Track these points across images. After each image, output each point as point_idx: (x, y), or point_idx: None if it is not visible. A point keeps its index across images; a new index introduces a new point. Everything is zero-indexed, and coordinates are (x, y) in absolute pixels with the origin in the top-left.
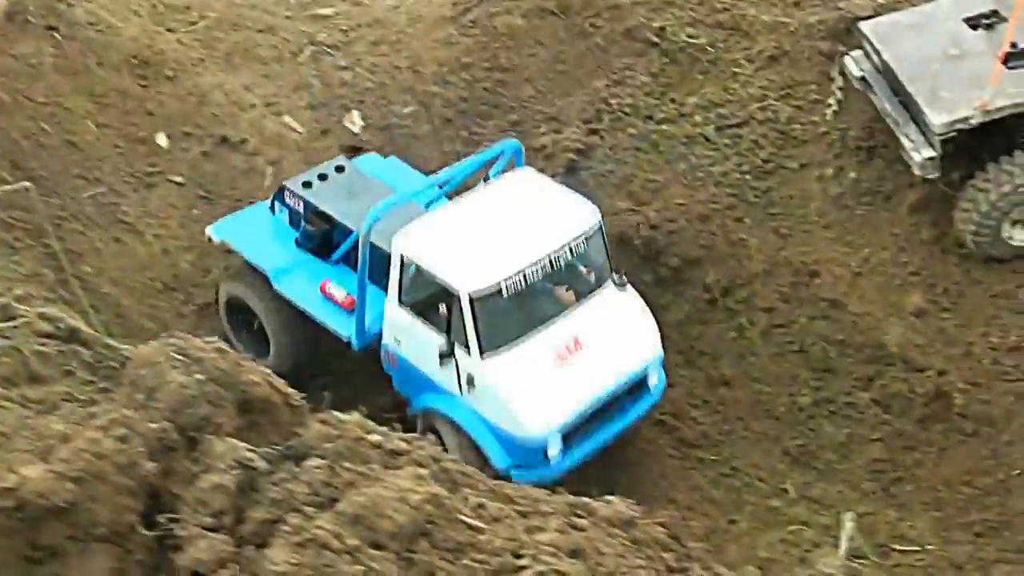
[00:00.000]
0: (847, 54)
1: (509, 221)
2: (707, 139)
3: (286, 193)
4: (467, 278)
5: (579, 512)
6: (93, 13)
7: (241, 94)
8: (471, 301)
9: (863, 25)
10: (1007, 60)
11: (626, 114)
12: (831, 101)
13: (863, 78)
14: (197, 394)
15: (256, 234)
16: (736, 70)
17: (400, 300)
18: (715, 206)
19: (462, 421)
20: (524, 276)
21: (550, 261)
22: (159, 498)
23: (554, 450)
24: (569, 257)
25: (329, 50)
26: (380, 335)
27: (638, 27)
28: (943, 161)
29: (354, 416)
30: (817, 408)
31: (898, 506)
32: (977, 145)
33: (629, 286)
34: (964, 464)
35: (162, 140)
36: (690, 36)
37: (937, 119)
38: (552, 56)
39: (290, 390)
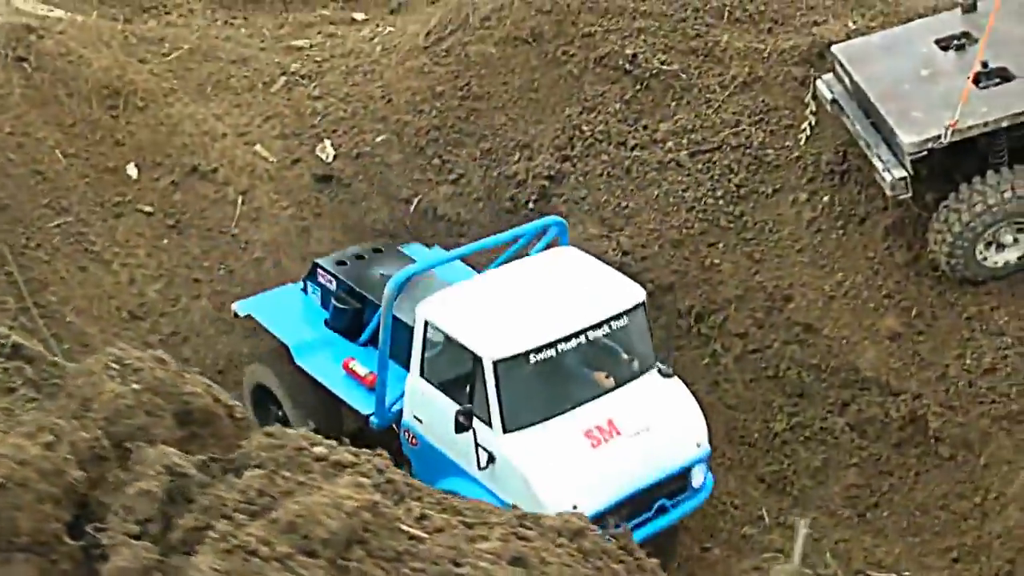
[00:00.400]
0: (819, 77)
1: (544, 293)
2: (680, 165)
3: (318, 271)
4: (492, 343)
5: (526, 524)
6: (64, 44)
7: (212, 124)
8: (495, 366)
9: (835, 48)
10: (977, 80)
11: (598, 141)
12: (804, 126)
13: (835, 101)
14: (133, 403)
15: (284, 312)
16: (709, 96)
17: (422, 372)
18: (688, 231)
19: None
20: (556, 349)
21: (585, 336)
22: (87, 507)
23: None
24: (607, 335)
25: (302, 80)
26: (401, 414)
27: (610, 54)
28: (917, 184)
29: (300, 430)
30: (792, 433)
31: (874, 532)
32: (951, 167)
33: (676, 377)
34: (940, 488)
35: (131, 170)
36: (663, 63)
37: (907, 139)
38: (525, 84)
39: (234, 403)
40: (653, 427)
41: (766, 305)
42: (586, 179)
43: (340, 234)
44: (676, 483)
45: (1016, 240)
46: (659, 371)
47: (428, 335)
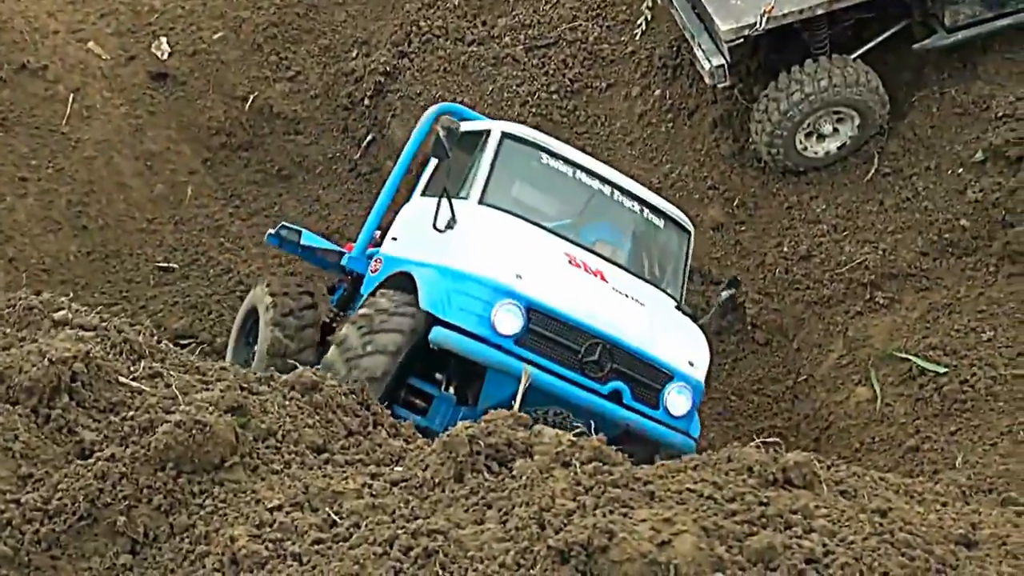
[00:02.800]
0: None
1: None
2: (516, 60)
3: None
4: (508, 125)
5: (259, 380)
6: None
7: (44, 20)
8: (501, 137)
9: None
10: None
11: (436, 36)
12: (640, 20)
13: None
14: None
15: None
16: None
17: (424, 191)
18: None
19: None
20: (573, 168)
21: (610, 183)
22: None
23: (507, 321)
24: (636, 208)
25: None
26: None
27: None
28: (746, 78)
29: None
30: None
31: None
32: (778, 60)
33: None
34: (755, 374)
35: None
36: None
37: (725, 25)
38: None
39: None
40: (646, 308)
41: None
42: (422, 75)
43: (175, 132)
44: (642, 375)
45: (836, 130)
46: (678, 307)
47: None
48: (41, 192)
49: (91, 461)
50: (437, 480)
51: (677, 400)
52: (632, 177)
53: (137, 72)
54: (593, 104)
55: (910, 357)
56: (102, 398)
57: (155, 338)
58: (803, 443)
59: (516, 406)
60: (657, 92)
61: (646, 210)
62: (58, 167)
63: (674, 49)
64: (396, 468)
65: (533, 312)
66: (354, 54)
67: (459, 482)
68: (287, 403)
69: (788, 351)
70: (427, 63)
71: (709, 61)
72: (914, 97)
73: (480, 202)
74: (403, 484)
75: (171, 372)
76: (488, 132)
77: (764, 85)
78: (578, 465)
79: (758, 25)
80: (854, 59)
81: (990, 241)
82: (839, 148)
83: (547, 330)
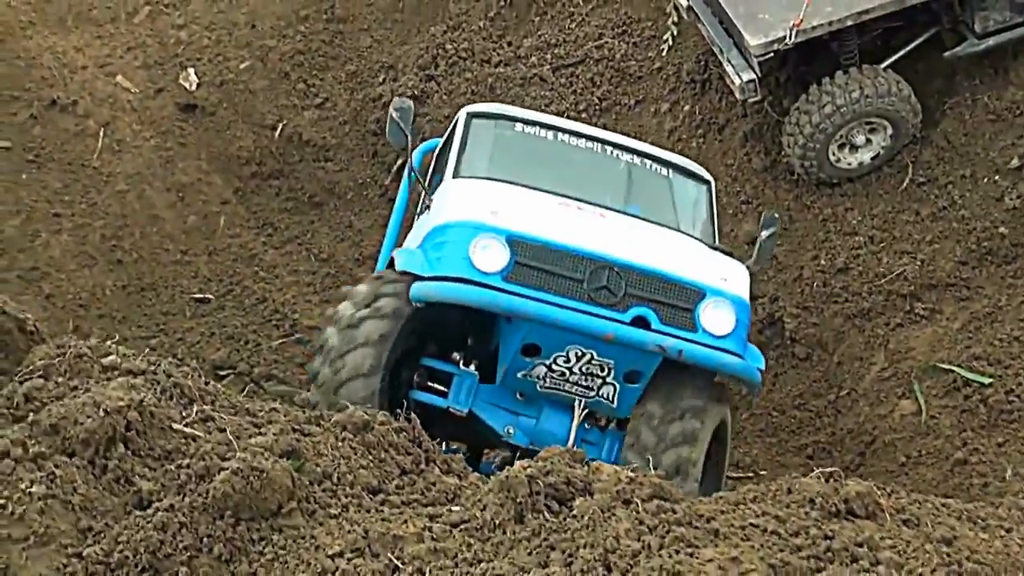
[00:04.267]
0: None
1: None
2: (543, 79)
3: None
4: (474, 106)
5: (310, 421)
6: None
7: (72, 56)
8: (468, 117)
9: None
10: None
11: (462, 59)
12: (666, 36)
13: (690, 8)
14: None
15: None
16: (572, 10)
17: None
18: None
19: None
20: (553, 128)
21: (602, 141)
22: None
23: (489, 256)
24: (637, 161)
25: (166, 9)
26: None
27: None
28: (776, 90)
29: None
30: None
31: (734, 435)
32: (807, 72)
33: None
34: (796, 388)
35: None
36: None
37: (754, 40)
38: (389, 5)
39: (25, 316)
40: (663, 237)
41: None
42: (450, 97)
43: (206, 163)
44: (667, 297)
45: (869, 140)
46: (711, 247)
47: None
48: (75, 227)
49: (150, 512)
50: (498, 522)
51: (715, 316)
52: None
53: (166, 104)
54: (623, 121)
55: (953, 368)
56: (157, 446)
57: (203, 379)
58: (847, 458)
59: (571, 440)
60: (686, 108)
61: (651, 162)
62: (91, 202)
63: (702, 64)
64: (454, 508)
65: (517, 244)
66: (381, 79)
67: (520, 523)
68: (340, 444)
69: (829, 365)
70: (455, 86)
71: (739, 76)
72: (946, 105)
73: (454, 177)
74: (463, 526)
75: (222, 415)
76: (457, 118)
77: (795, 98)
78: (639, 503)
79: (787, 39)
80: (884, 69)
81: None
82: (873, 159)
83: (539, 261)
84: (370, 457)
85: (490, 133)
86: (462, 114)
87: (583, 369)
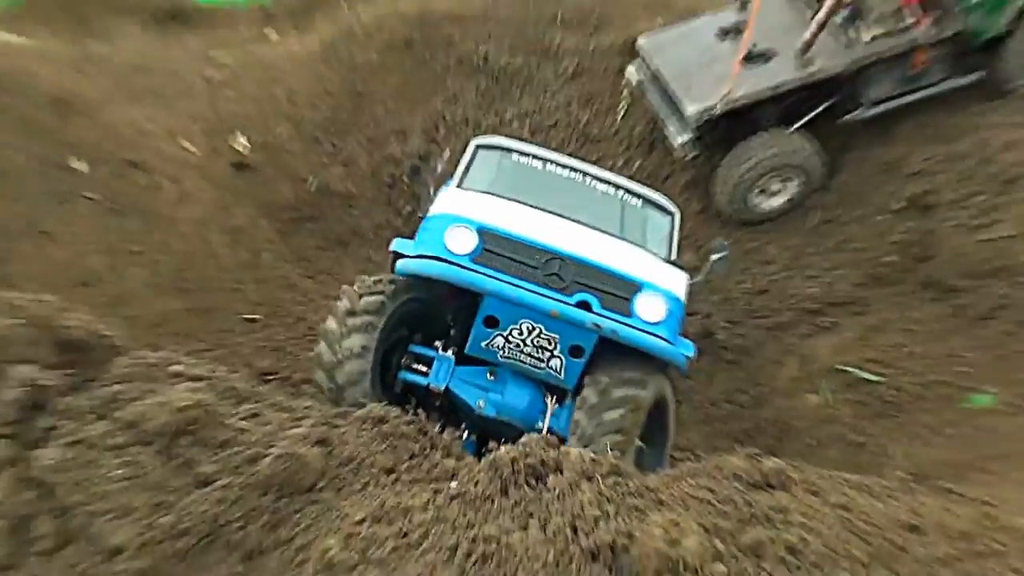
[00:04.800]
0: (630, 65)
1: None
2: (523, 141)
3: None
4: (483, 138)
5: (338, 417)
6: (20, 64)
7: (144, 124)
8: (476, 147)
9: (640, 40)
10: (746, 61)
11: (459, 125)
12: (621, 106)
13: (640, 82)
14: (13, 335)
15: None
16: (546, 86)
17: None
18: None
19: None
20: (545, 159)
21: (584, 172)
22: None
23: (460, 240)
24: (612, 191)
25: (221, 87)
26: None
27: (467, 55)
28: (706, 147)
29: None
30: None
31: (678, 423)
32: (735, 134)
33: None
34: (726, 386)
35: (77, 164)
36: (509, 61)
37: (691, 108)
38: (400, 82)
39: (109, 332)
40: (616, 242)
41: None
42: (450, 157)
43: (254, 210)
44: (609, 287)
45: (782, 189)
46: (665, 260)
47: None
48: (149, 262)
49: (209, 490)
50: (487, 494)
51: (649, 306)
52: None
53: (221, 163)
54: None
55: (851, 369)
56: (215, 436)
57: (252, 383)
58: (767, 441)
59: (544, 426)
60: (637, 163)
61: (624, 192)
62: (162, 241)
63: (649, 128)
64: (452, 484)
65: (486, 233)
66: (393, 142)
67: (505, 495)
68: (361, 434)
69: (751, 367)
70: (453, 147)
71: (679, 138)
72: (844, 159)
73: (456, 187)
74: (459, 498)
75: (267, 412)
76: (468, 147)
77: (723, 155)
78: (600, 479)
79: (717, 107)
80: (794, 131)
81: (911, 273)
82: (786, 203)
83: (502, 249)
84: (385, 444)
85: (492, 159)
86: (472, 144)
87: (534, 342)
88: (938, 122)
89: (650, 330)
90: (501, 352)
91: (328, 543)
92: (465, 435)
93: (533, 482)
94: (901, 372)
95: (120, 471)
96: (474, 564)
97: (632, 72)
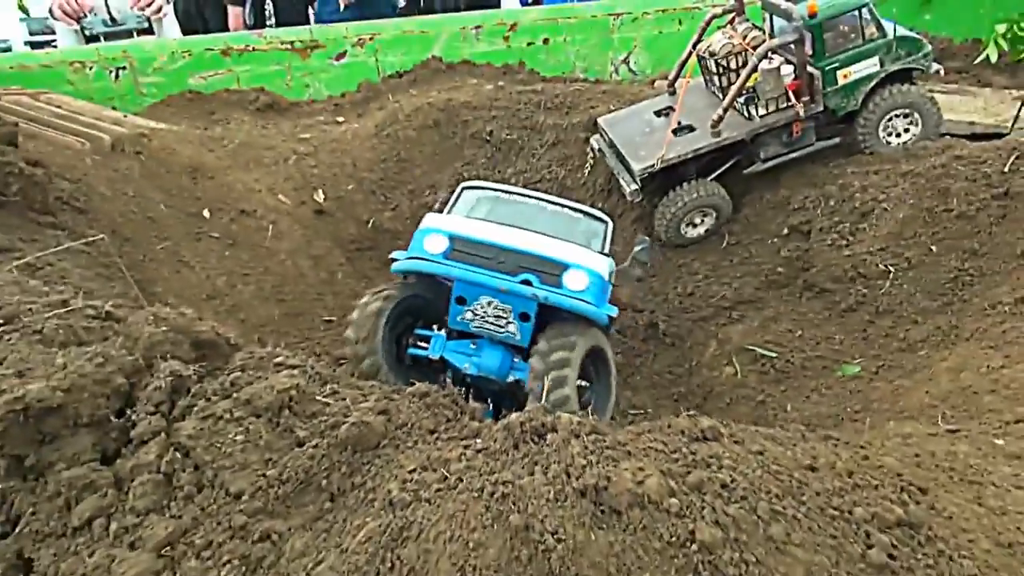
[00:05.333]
0: (592, 136)
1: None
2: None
3: None
4: (471, 183)
5: (396, 391)
6: (164, 142)
7: (252, 183)
8: (462, 188)
9: (600, 119)
10: (675, 132)
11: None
12: (586, 165)
13: (600, 150)
14: (161, 339)
15: None
16: (534, 152)
17: None
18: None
19: None
20: (514, 193)
21: (541, 199)
22: (130, 400)
23: (435, 243)
24: (560, 210)
25: (306, 157)
26: None
27: (478, 131)
28: (648, 193)
29: (267, 348)
30: None
31: (632, 389)
32: (667, 183)
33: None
34: (666, 362)
35: (206, 213)
36: (507, 134)
37: (637, 166)
38: (431, 151)
39: (230, 335)
40: (555, 240)
41: None
42: None
43: (330, 244)
44: (544, 269)
45: (702, 221)
46: (599, 252)
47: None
48: (256, 281)
49: (303, 449)
50: (504, 448)
51: (573, 279)
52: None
53: (306, 210)
54: None
55: (755, 348)
56: (308, 409)
57: (332, 368)
58: (696, 401)
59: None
60: (599, 205)
61: (566, 209)
62: (264, 266)
63: (608, 180)
64: (477, 440)
65: (455, 239)
66: (427, 193)
67: (516, 449)
68: (411, 405)
69: (684, 349)
70: None
71: (629, 187)
72: (745, 199)
73: (441, 214)
74: (482, 452)
75: (344, 390)
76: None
77: (660, 198)
78: (584, 436)
79: (656, 165)
80: (710, 180)
81: (796, 279)
82: (706, 231)
83: (467, 248)
84: (428, 412)
85: (472, 195)
86: (460, 186)
87: (493, 313)
88: (811, 172)
89: (575, 296)
90: (472, 323)
91: (390, 486)
92: (488, 406)
93: (536, 439)
94: (790, 350)
95: (239, 437)
96: (496, 500)
97: (594, 141)
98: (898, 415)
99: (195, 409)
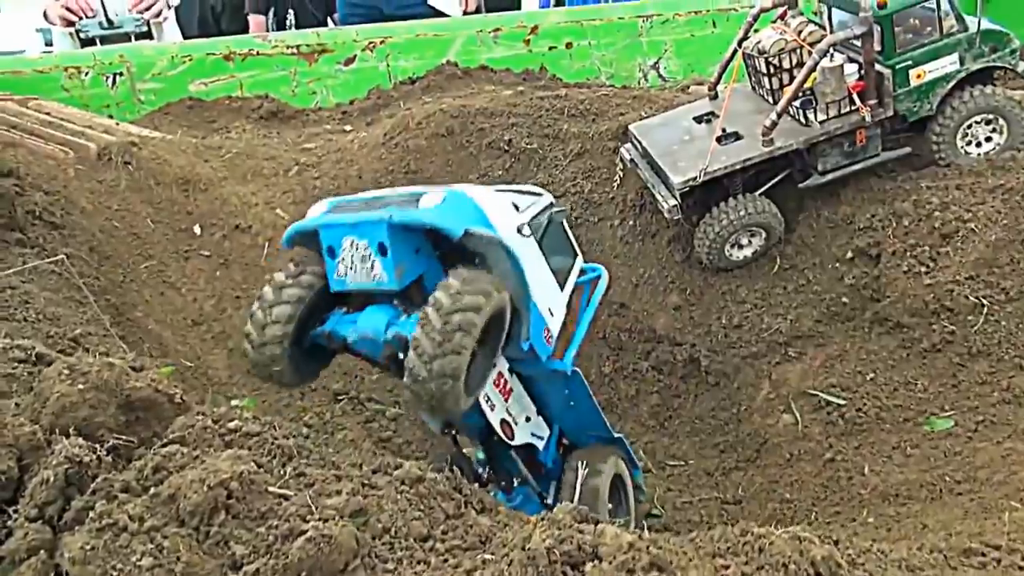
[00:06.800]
0: (621, 146)
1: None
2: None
3: None
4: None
5: (378, 474)
6: (155, 152)
7: (249, 198)
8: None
9: (631, 126)
10: (719, 140)
11: None
12: (616, 177)
13: (632, 160)
14: (77, 400)
15: None
16: (557, 163)
17: None
18: None
19: None
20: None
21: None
22: (19, 491)
23: (316, 207)
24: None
25: (308, 168)
26: None
27: (495, 140)
28: (688, 209)
29: (242, 402)
30: (615, 373)
31: (670, 435)
32: (708, 198)
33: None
34: (709, 404)
35: (196, 229)
36: (527, 143)
37: (676, 179)
38: (443, 161)
39: (175, 391)
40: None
41: None
42: None
43: None
44: (404, 199)
45: (750, 242)
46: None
47: None
48: (248, 304)
49: (241, 573)
50: None
51: (428, 199)
52: (618, 279)
53: None
54: (590, 232)
55: (817, 393)
56: (254, 508)
57: (306, 437)
58: (747, 453)
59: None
60: (630, 223)
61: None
62: (260, 287)
63: (639, 195)
64: (488, 556)
65: (336, 206)
66: None
67: None
68: (399, 496)
69: (731, 390)
70: None
71: (666, 202)
72: (800, 217)
73: None
74: None
75: (313, 470)
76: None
77: (702, 215)
78: (641, 573)
79: (698, 178)
80: (759, 195)
81: (863, 311)
82: (753, 253)
83: (342, 207)
84: (421, 507)
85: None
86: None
87: (359, 256)
88: (876, 186)
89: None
90: (348, 279)
91: None
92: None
93: (569, 571)
94: (861, 397)
95: (147, 560)
96: None
97: (625, 151)
98: (1018, 492)
99: (90, 515)
